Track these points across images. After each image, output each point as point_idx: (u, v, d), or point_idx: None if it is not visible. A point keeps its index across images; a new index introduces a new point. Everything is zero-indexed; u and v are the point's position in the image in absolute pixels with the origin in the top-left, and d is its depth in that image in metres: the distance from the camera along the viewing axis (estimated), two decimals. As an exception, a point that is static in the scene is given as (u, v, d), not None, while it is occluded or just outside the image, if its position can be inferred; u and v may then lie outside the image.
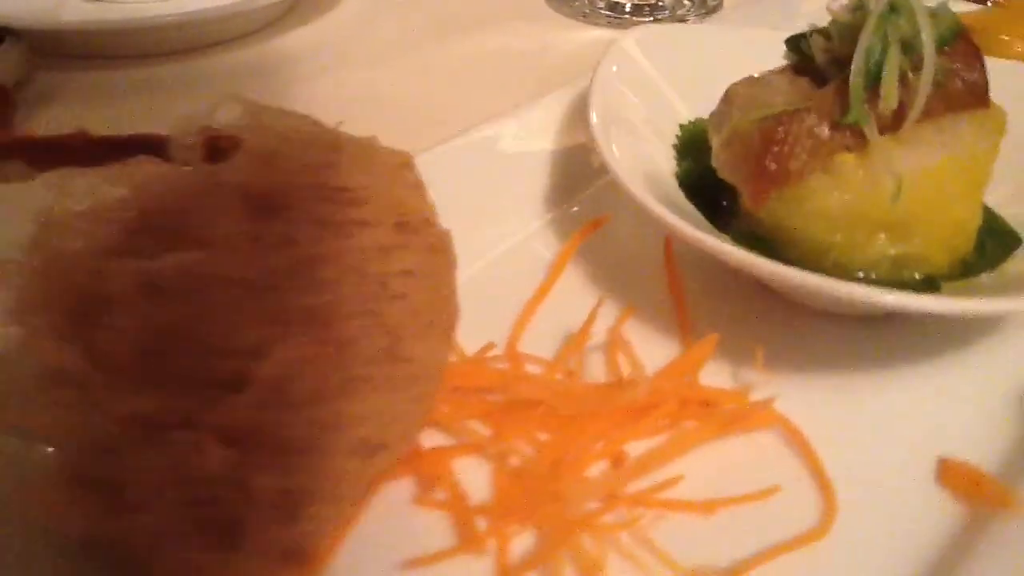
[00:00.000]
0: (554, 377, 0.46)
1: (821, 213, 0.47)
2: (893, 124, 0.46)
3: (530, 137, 0.62)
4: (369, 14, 0.86)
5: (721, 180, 0.53)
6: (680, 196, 0.53)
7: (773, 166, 0.46)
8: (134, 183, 0.37)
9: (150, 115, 0.68)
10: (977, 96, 0.47)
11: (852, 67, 0.46)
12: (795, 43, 0.51)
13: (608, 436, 0.42)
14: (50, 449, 0.34)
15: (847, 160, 0.46)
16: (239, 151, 0.34)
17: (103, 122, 0.66)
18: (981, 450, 0.43)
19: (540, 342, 0.48)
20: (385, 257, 0.35)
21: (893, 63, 0.45)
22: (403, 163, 0.39)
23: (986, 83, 0.47)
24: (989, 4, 0.78)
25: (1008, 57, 0.52)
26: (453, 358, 0.43)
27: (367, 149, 0.38)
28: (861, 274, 0.49)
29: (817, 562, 0.38)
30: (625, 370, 0.46)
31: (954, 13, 0.47)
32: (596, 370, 0.47)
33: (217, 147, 0.35)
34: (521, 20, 0.83)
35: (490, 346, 0.47)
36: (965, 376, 0.47)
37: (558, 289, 0.53)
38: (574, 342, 0.47)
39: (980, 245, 0.51)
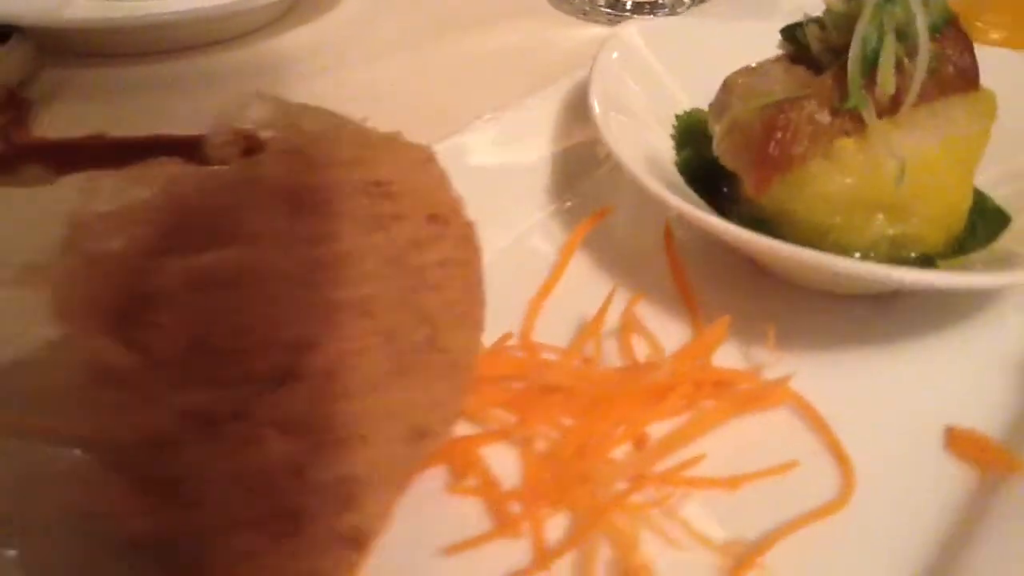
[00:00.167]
0: (572, 364, 0.46)
1: (822, 196, 0.48)
2: (889, 109, 0.48)
3: (528, 131, 0.63)
4: (369, 12, 0.87)
5: (720, 168, 0.55)
6: (681, 183, 0.55)
7: (776, 152, 0.48)
8: (159, 183, 0.38)
9: (153, 113, 0.68)
10: (968, 80, 0.49)
11: (849, 54, 0.48)
12: (790, 32, 0.53)
13: (630, 419, 0.43)
14: (78, 451, 0.35)
15: (847, 145, 0.48)
16: (272, 148, 0.35)
17: (107, 119, 0.66)
18: (985, 418, 0.45)
19: (551, 331, 0.49)
20: (420, 249, 0.35)
21: (889, 50, 0.47)
22: (427, 157, 0.40)
23: (976, 67, 0.49)
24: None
25: (984, 44, 0.53)
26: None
27: (394, 144, 0.38)
28: (858, 255, 0.51)
29: (840, 530, 0.40)
30: (640, 354, 0.48)
31: (944, 0, 0.49)
32: (611, 356, 0.48)
33: (250, 145, 0.35)
34: (522, 17, 0.83)
35: (507, 336, 0.47)
36: (965, 349, 0.49)
37: (562, 280, 0.54)
38: (589, 329, 0.48)
39: (971, 225, 0.53)
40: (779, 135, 0.48)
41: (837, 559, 0.39)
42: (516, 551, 0.38)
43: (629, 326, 0.49)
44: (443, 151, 0.55)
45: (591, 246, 0.56)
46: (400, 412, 0.32)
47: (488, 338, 0.47)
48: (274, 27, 0.83)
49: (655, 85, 0.60)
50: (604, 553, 0.38)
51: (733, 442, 0.44)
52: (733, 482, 0.41)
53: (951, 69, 0.49)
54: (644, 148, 0.56)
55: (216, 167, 0.39)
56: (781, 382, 0.44)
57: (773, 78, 0.52)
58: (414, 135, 0.45)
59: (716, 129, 0.52)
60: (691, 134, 0.58)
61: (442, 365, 0.34)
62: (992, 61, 0.51)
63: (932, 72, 0.48)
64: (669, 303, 0.52)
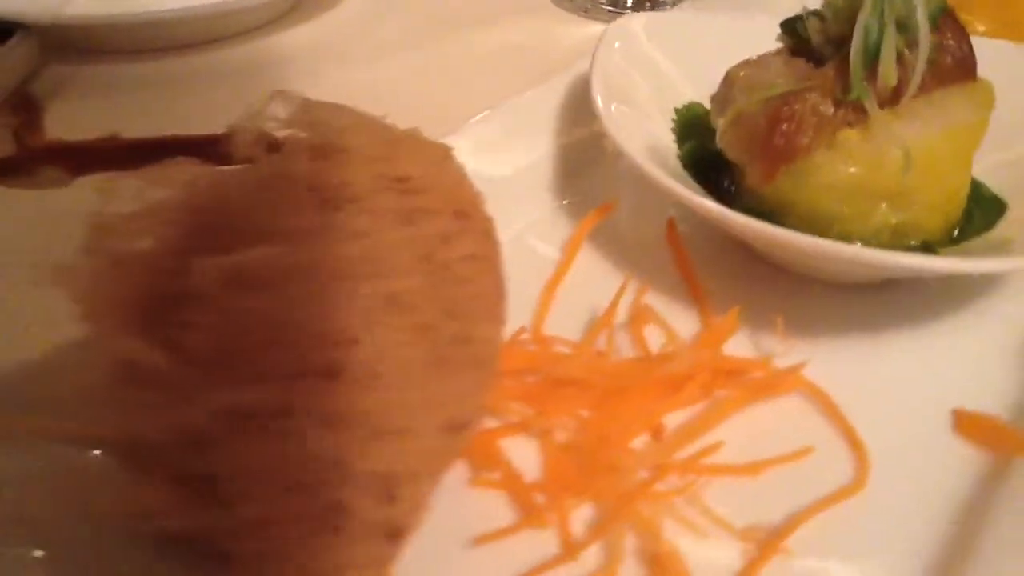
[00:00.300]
0: (589, 356, 0.47)
1: (827, 187, 0.49)
2: (890, 100, 0.49)
3: (525, 128, 0.63)
4: (371, 11, 0.87)
5: (721, 161, 0.56)
6: (685, 175, 0.55)
7: (781, 143, 0.49)
8: (178, 184, 0.37)
9: (156, 109, 0.69)
10: (965, 70, 0.50)
11: (852, 46, 0.48)
12: (790, 25, 0.53)
13: (646, 409, 0.44)
14: (109, 452, 0.35)
15: (850, 135, 0.49)
16: (297, 146, 0.35)
17: (110, 116, 0.66)
18: (991, 401, 0.46)
19: (559, 325, 0.50)
20: (446, 244, 0.36)
21: (890, 42, 0.48)
22: (446, 153, 0.40)
23: (974, 57, 0.50)
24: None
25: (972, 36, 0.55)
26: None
27: (414, 140, 0.39)
28: (860, 244, 0.51)
29: (857, 513, 0.41)
30: (652, 345, 0.48)
31: (941, -9, 0.50)
32: (623, 347, 0.49)
33: (274, 143, 0.35)
34: (523, 15, 0.84)
35: (522, 330, 0.48)
36: (967, 334, 0.50)
37: (567, 275, 0.54)
38: (601, 321, 0.49)
39: (968, 213, 0.54)
40: (784, 126, 0.48)
41: (855, 541, 0.40)
42: (542, 541, 0.39)
43: (641, 317, 0.49)
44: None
45: (594, 241, 0.57)
46: (436, 405, 0.32)
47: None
48: (276, 25, 0.84)
49: (657, 76, 0.61)
50: (630, 541, 0.39)
51: (748, 430, 0.44)
52: (751, 468, 0.42)
53: (949, 60, 0.50)
54: (647, 139, 0.56)
55: (236, 166, 0.39)
56: (794, 369, 0.45)
57: (774, 71, 0.52)
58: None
59: (720, 122, 0.53)
60: (692, 127, 0.59)
61: (472, 358, 0.34)
62: (986, 52, 0.52)
63: (931, 63, 0.49)
64: (675, 295, 0.53)
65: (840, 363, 0.48)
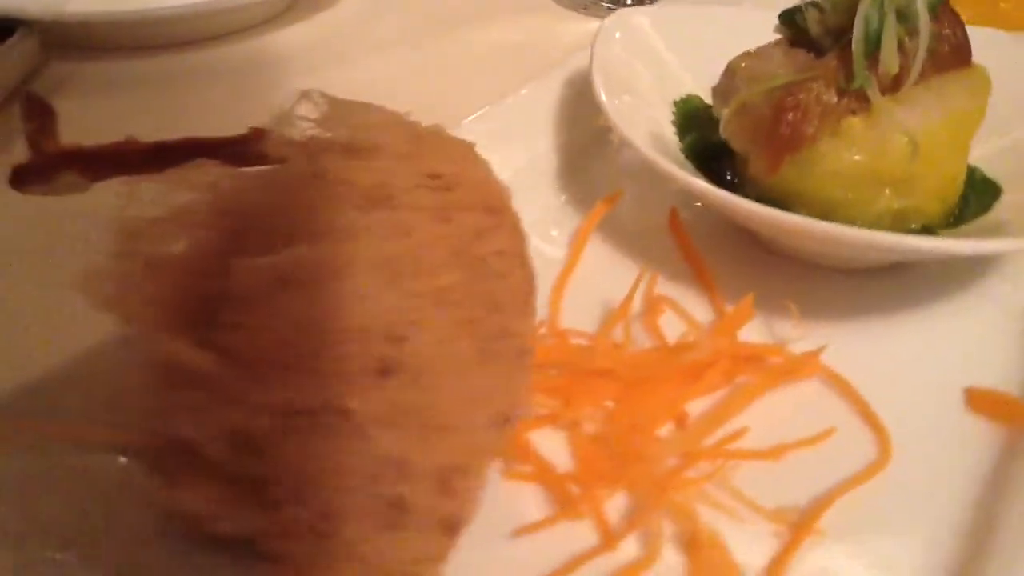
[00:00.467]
0: (612, 348, 0.47)
1: (833, 174, 0.50)
2: (891, 88, 0.50)
3: (521, 126, 0.63)
4: (369, 9, 0.87)
5: (723, 152, 0.56)
6: (688, 165, 0.56)
7: (788, 132, 0.49)
8: (201, 186, 0.37)
9: (156, 106, 0.70)
10: (962, 57, 0.51)
11: (853, 36, 0.49)
12: (789, 16, 0.54)
13: (670, 398, 0.44)
14: (153, 457, 0.35)
15: (854, 123, 0.50)
16: (330, 145, 0.35)
17: (112, 113, 0.68)
18: (1000, 377, 0.47)
19: (571, 318, 0.50)
20: (481, 239, 0.36)
21: (891, 31, 0.49)
22: (470, 149, 0.40)
23: (969, 44, 0.51)
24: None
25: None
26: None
27: (440, 137, 0.39)
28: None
29: (880, 492, 0.41)
30: (667, 334, 0.49)
31: (937, -20, 0.51)
32: (638, 338, 0.49)
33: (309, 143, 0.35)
34: (522, 13, 0.84)
35: (540, 324, 0.48)
36: (970, 314, 0.52)
37: (575, 268, 0.55)
38: (617, 313, 0.49)
39: (964, 196, 0.55)
40: (790, 116, 0.49)
41: (883, 518, 0.41)
42: (579, 531, 0.39)
43: (655, 307, 0.50)
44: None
45: (597, 234, 0.57)
46: (485, 399, 0.32)
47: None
48: (275, 23, 0.84)
49: (657, 67, 0.62)
50: (666, 527, 0.39)
51: (768, 414, 0.45)
52: (776, 452, 0.43)
53: (946, 48, 0.51)
54: (649, 130, 0.57)
55: (259, 167, 0.38)
56: (813, 354, 0.46)
57: (775, 62, 0.53)
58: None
59: (724, 112, 0.53)
60: (693, 119, 0.59)
61: (513, 352, 0.35)
62: (976, 40, 0.54)
63: (929, 51, 0.50)
64: (683, 284, 0.53)
65: (849, 347, 0.49)
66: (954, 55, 0.51)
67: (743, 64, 0.54)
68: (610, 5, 0.85)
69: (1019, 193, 0.54)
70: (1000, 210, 0.55)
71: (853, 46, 0.49)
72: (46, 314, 0.47)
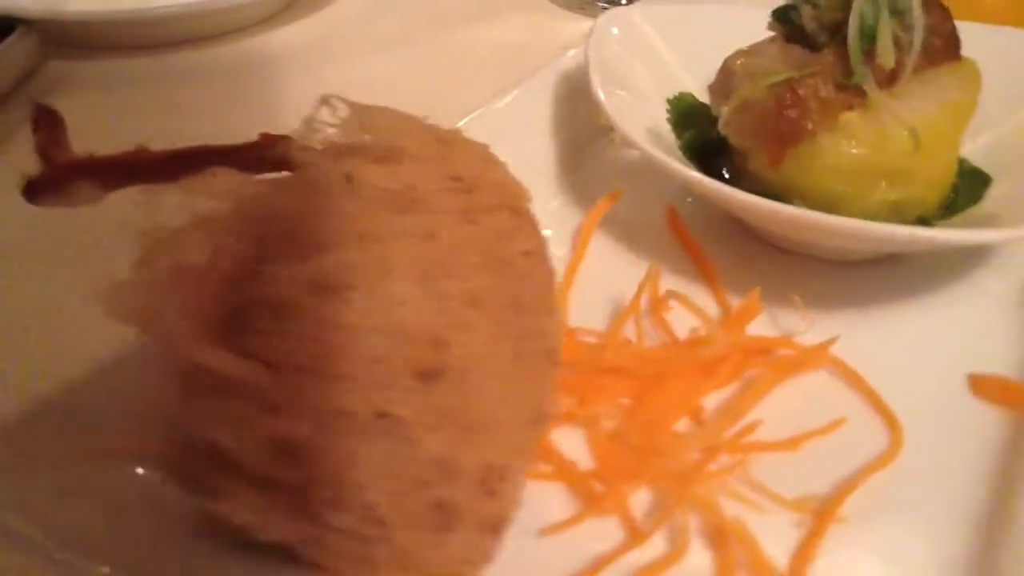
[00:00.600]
0: (627, 345, 0.48)
1: (832, 168, 0.51)
2: (888, 82, 0.51)
3: (515, 126, 0.64)
4: (365, 8, 0.88)
5: (720, 148, 0.57)
6: (687, 162, 0.57)
7: (790, 128, 0.50)
8: (221, 194, 0.37)
9: (155, 105, 0.71)
10: (952, 50, 0.53)
11: (849, 32, 0.50)
12: (783, 13, 0.55)
13: (685, 393, 0.45)
14: (191, 466, 0.35)
15: (852, 118, 0.51)
16: (356, 150, 0.35)
17: (111, 112, 0.68)
18: (1000, 362, 0.48)
19: (576, 317, 0.50)
20: (506, 240, 0.36)
21: (886, 26, 0.50)
22: (487, 151, 0.40)
23: (958, 38, 0.53)
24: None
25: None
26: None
27: (459, 139, 0.39)
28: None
29: (894, 478, 0.42)
30: (676, 329, 0.49)
31: (927, -25, 0.53)
32: (647, 334, 0.50)
33: (338, 148, 0.35)
34: (518, 12, 0.84)
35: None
36: (967, 302, 0.53)
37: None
38: (626, 311, 0.49)
39: (954, 187, 0.56)
40: (792, 111, 0.50)
41: (898, 503, 0.41)
42: (607, 530, 0.39)
43: (663, 303, 0.50)
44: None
45: (597, 231, 0.57)
46: (522, 399, 0.32)
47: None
48: (273, 21, 0.85)
49: (653, 63, 0.62)
50: (692, 521, 0.40)
51: (779, 406, 0.46)
52: (792, 443, 0.43)
53: (937, 41, 0.52)
54: (647, 127, 0.58)
55: (280, 174, 0.38)
56: (823, 346, 0.47)
57: (771, 58, 0.54)
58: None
59: (723, 109, 0.54)
60: (690, 116, 0.60)
61: (543, 351, 0.35)
62: (961, 34, 0.55)
63: (922, 45, 0.51)
64: (685, 280, 0.54)
65: (851, 337, 0.49)
66: (945, 48, 0.52)
67: (739, 62, 0.55)
68: (605, 5, 0.85)
69: (1008, 184, 0.56)
70: (990, 201, 0.56)
71: (849, 42, 0.50)
72: (63, 325, 0.47)
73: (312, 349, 0.30)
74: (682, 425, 0.45)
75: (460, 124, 0.60)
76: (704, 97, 0.59)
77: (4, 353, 0.48)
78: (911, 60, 0.50)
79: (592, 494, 0.40)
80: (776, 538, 0.39)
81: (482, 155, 0.39)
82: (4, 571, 0.36)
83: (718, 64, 0.57)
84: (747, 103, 0.52)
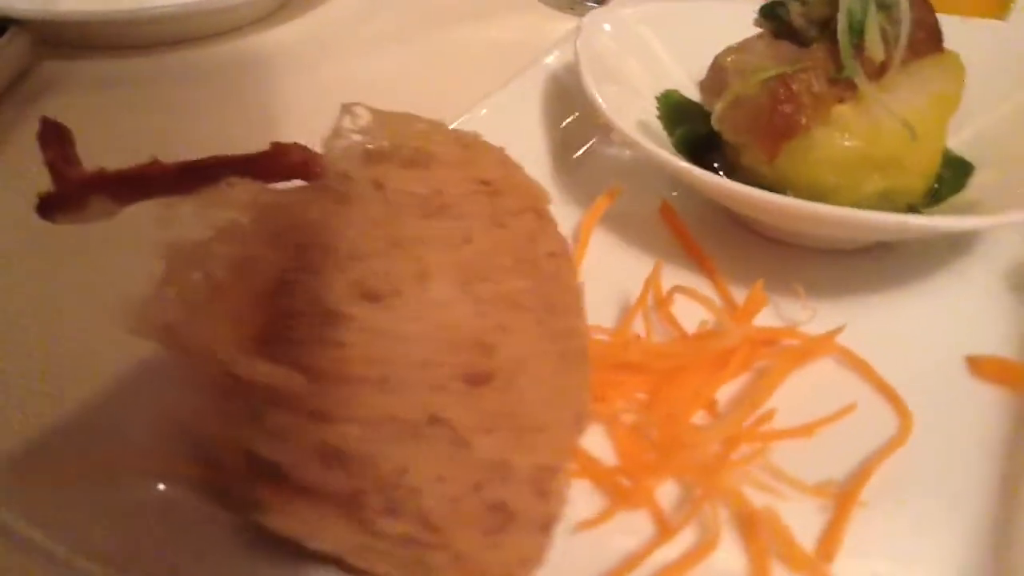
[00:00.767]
0: (628, 340, 0.48)
1: (826, 160, 0.52)
2: (876, 75, 0.52)
3: (507, 125, 0.64)
4: (360, 7, 0.88)
5: (712, 144, 0.58)
6: (680, 157, 0.57)
7: (784, 122, 0.51)
8: (239, 205, 0.37)
9: (150, 105, 0.71)
10: (935, 42, 0.54)
11: (838, 27, 0.52)
12: (770, 10, 0.56)
13: (701, 385, 0.46)
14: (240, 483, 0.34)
15: (844, 111, 0.52)
16: (386, 156, 0.35)
17: (104, 112, 0.68)
18: (995, 342, 0.50)
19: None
20: (534, 242, 0.36)
21: (873, 20, 0.51)
22: (504, 155, 0.40)
23: (940, 30, 0.54)
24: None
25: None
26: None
27: (479, 143, 0.39)
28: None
29: (907, 457, 0.43)
30: (683, 323, 0.50)
31: (908, -30, 0.54)
32: (654, 329, 0.50)
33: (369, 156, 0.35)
34: (511, 12, 0.85)
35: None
36: (957, 287, 0.54)
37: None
38: (634, 307, 0.50)
39: (938, 176, 0.58)
40: (787, 106, 0.51)
41: (913, 483, 0.42)
42: (637, 523, 0.40)
43: (669, 297, 0.51)
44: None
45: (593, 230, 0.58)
46: (565, 399, 0.33)
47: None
48: (268, 21, 0.85)
49: (644, 60, 0.63)
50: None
51: (789, 395, 0.47)
52: (807, 429, 0.44)
53: (921, 34, 0.54)
54: (638, 120, 0.58)
55: (300, 184, 0.38)
56: (831, 334, 0.48)
57: (761, 54, 0.55)
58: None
59: (716, 106, 0.55)
60: (681, 112, 0.61)
61: (578, 351, 0.35)
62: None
63: (908, 37, 0.53)
64: (684, 274, 0.55)
65: (849, 324, 0.51)
66: (928, 41, 0.54)
67: (730, 58, 0.56)
68: (595, 5, 0.86)
69: (989, 172, 0.57)
70: (972, 189, 0.58)
71: (839, 37, 0.51)
72: (63, 325, 0.48)
73: (359, 357, 0.30)
74: (698, 417, 0.45)
75: (452, 126, 0.60)
76: (694, 92, 0.60)
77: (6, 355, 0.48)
78: (899, 53, 0.52)
79: (619, 489, 0.41)
80: (801, 524, 0.40)
81: (501, 158, 0.39)
82: (4, 571, 0.36)
83: (707, 59, 0.58)
84: (740, 99, 0.53)
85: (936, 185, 0.57)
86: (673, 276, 0.54)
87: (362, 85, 0.71)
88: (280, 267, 0.33)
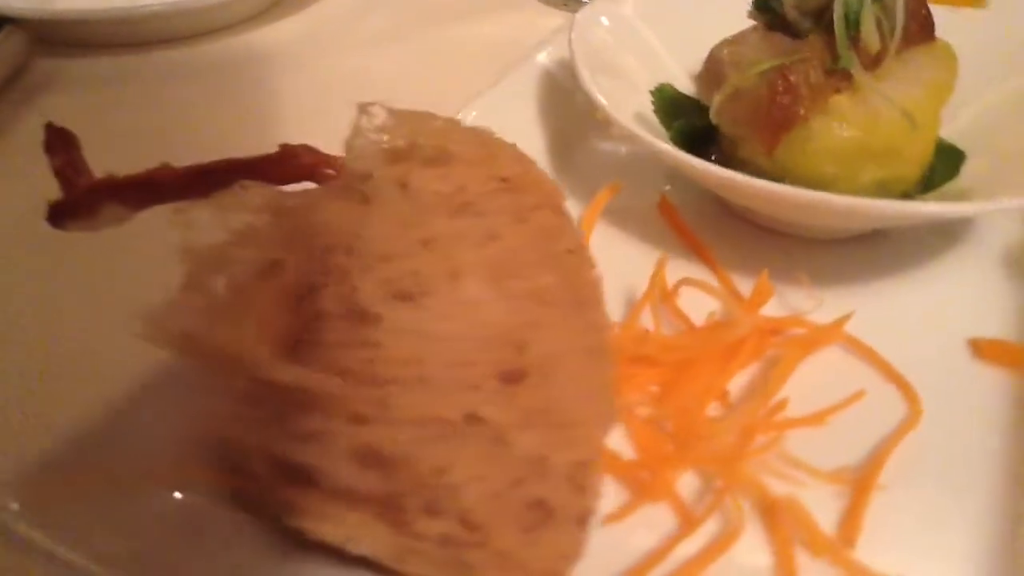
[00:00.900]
0: (638, 334, 0.48)
1: (824, 151, 0.53)
2: (872, 65, 0.53)
3: (500, 120, 0.64)
4: (356, 5, 0.88)
5: (709, 137, 0.59)
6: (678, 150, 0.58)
7: (783, 113, 0.52)
8: (254, 208, 0.36)
9: (145, 103, 0.71)
10: (928, 31, 0.55)
11: (834, 18, 0.52)
12: (762, 2, 0.57)
13: (713, 377, 0.46)
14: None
15: (840, 101, 0.52)
16: (408, 155, 0.35)
17: (100, 109, 0.68)
18: (995, 325, 0.51)
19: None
20: (554, 238, 0.36)
21: (869, 11, 0.52)
22: (518, 150, 0.40)
23: (932, 19, 0.55)
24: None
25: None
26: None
27: (494, 139, 0.39)
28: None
29: (919, 442, 0.44)
30: (690, 315, 0.50)
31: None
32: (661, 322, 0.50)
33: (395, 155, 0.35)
34: (507, 10, 0.85)
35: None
36: (954, 272, 0.55)
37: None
38: (641, 301, 0.50)
39: (931, 164, 0.59)
40: (785, 97, 0.52)
41: (926, 466, 0.43)
42: (660, 517, 0.40)
43: (675, 290, 0.51)
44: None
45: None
46: (596, 392, 0.33)
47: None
48: (262, 19, 0.85)
49: (639, 53, 0.63)
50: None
51: (798, 383, 0.47)
52: (819, 417, 0.45)
53: (914, 23, 0.54)
54: (635, 113, 0.59)
55: (317, 186, 0.38)
56: (838, 323, 0.48)
57: (756, 47, 0.55)
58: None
59: (714, 98, 0.55)
60: (676, 106, 0.61)
61: (604, 345, 0.35)
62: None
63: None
64: (684, 267, 0.55)
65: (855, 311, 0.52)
66: (921, 30, 0.55)
67: (725, 51, 0.56)
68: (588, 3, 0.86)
69: (981, 160, 0.58)
70: (964, 176, 0.58)
71: (835, 28, 0.52)
72: (82, 343, 0.47)
73: (393, 357, 0.30)
74: (710, 408, 0.46)
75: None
76: (688, 85, 0.61)
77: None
78: (894, 43, 0.52)
79: (640, 482, 0.41)
80: (819, 511, 0.40)
81: (516, 155, 0.39)
82: (4, 571, 0.35)
83: (699, 52, 0.58)
84: (738, 91, 0.54)
85: (929, 174, 0.58)
86: (674, 269, 0.54)
87: (357, 82, 0.71)
88: (304, 270, 0.33)
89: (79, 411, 0.39)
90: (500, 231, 0.33)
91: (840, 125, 0.52)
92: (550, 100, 0.66)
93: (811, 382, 0.47)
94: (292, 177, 0.39)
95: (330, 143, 0.39)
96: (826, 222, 0.56)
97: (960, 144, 0.60)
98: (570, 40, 0.60)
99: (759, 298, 0.49)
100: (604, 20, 0.64)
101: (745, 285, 0.52)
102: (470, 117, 0.61)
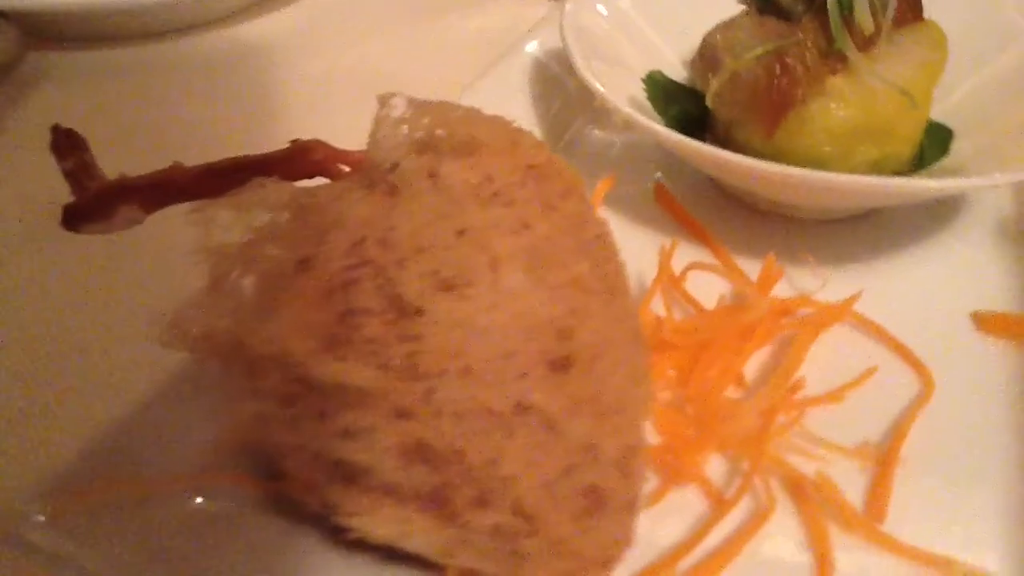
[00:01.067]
0: (651, 320, 0.48)
1: (823, 131, 0.53)
2: (865, 46, 0.54)
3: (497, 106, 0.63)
4: None
5: (701, 123, 0.59)
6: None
7: (781, 96, 0.52)
8: (273, 205, 0.36)
9: (137, 96, 0.70)
10: (916, 12, 0.56)
11: (828, 2, 0.53)
12: (755, -12, 0.57)
13: (729, 359, 0.46)
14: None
15: (836, 82, 0.53)
16: (436, 145, 0.34)
17: (92, 103, 0.67)
18: (995, 298, 0.52)
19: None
20: (582, 226, 0.36)
21: (862, -6, 0.52)
22: (535, 138, 0.40)
23: (921, 1, 0.56)
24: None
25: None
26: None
27: (515, 128, 0.38)
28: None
29: (933, 414, 0.45)
30: (702, 300, 0.50)
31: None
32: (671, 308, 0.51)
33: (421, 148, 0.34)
34: (498, 1, 0.84)
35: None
36: (950, 248, 0.57)
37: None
38: (652, 287, 0.50)
39: (921, 143, 0.60)
40: (783, 80, 0.52)
41: (943, 437, 0.44)
42: (690, 499, 0.40)
43: (682, 275, 0.51)
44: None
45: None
46: (637, 379, 0.33)
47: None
48: (254, 11, 0.85)
49: (631, 39, 0.64)
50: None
51: (811, 363, 0.48)
52: (837, 395, 0.45)
53: (903, 4, 0.55)
54: (629, 98, 0.59)
55: (335, 181, 0.37)
56: (849, 302, 0.49)
57: (749, 32, 0.56)
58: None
59: (712, 83, 0.55)
60: (669, 93, 0.61)
61: (639, 330, 0.35)
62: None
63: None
64: (687, 253, 0.55)
65: (854, 290, 0.52)
66: (910, 10, 0.55)
67: (719, 36, 0.56)
68: None
69: (970, 138, 0.59)
70: (954, 154, 0.59)
71: (829, 12, 0.52)
72: (82, 343, 0.46)
73: (438, 349, 0.29)
74: (728, 391, 0.46)
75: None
76: (679, 71, 0.61)
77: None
78: (887, 25, 0.53)
79: (668, 466, 0.41)
80: (844, 487, 0.41)
81: (536, 142, 0.39)
82: (4, 571, 0.35)
83: (690, 37, 0.58)
84: (736, 76, 0.54)
85: (920, 152, 0.59)
86: (675, 256, 0.55)
87: (348, 74, 0.71)
88: (333, 265, 0.32)
89: (101, 420, 0.38)
90: (531, 220, 0.33)
91: (838, 106, 0.53)
92: (540, 90, 0.66)
93: (824, 361, 0.48)
94: (306, 173, 0.39)
95: (327, 135, 0.39)
96: (827, 202, 0.56)
97: (951, 123, 0.61)
98: (561, 28, 0.60)
99: (769, 280, 0.50)
100: (597, 7, 0.63)
101: (747, 268, 0.53)
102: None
